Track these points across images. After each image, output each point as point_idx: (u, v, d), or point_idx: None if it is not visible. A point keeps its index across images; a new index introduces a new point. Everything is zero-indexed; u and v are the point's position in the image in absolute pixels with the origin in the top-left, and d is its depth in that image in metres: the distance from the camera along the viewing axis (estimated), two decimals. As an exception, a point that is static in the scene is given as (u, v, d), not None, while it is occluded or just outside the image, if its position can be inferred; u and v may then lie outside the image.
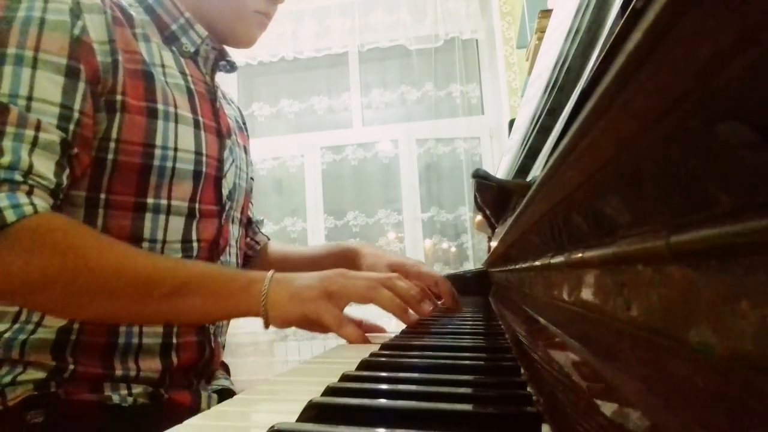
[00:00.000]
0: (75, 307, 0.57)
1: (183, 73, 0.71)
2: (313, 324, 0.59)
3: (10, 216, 0.52)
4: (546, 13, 1.54)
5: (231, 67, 0.81)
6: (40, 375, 0.59)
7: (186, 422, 0.28)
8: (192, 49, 0.73)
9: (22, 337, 0.60)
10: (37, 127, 0.56)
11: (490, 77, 2.94)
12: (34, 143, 0.55)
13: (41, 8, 0.58)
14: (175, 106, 0.67)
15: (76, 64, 0.59)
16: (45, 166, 0.56)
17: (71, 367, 0.60)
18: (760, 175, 0.10)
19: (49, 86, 0.57)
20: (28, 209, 0.53)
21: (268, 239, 1.01)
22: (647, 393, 0.16)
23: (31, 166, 0.55)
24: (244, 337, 2.80)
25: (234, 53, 0.81)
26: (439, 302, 0.86)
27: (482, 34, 2.90)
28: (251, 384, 0.39)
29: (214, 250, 0.72)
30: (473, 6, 2.88)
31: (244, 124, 0.93)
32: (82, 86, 0.59)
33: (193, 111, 0.70)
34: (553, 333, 0.33)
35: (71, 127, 0.58)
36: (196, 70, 0.74)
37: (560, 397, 0.24)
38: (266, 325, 0.59)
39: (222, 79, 0.81)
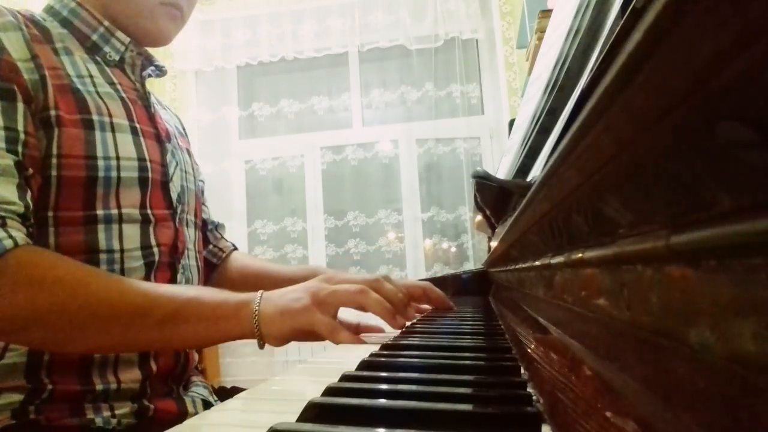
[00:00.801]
0: (68, 341, 0.56)
1: (112, 83, 0.69)
2: (308, 335, 0.58)
3: None
4: (546, 13, 1.54)
5: (160, 71, 0.80)
6: (17, 398, 0.58)
7: (186, 422, 0.29)
8: (117, 57, 0.72)
9: None
10: None
11: (490, 77, 2.94)
12: None
13: None
14: (110, 116, 0.66)
15: (8, 85, 0.57)
16: (8, 191, 0.54)
17: (49, 387, 0.59)
18: (760, 175, 0.10)
19: None
20: (8, 243, 0.52)
21: (235, 247, 0.99)
22: (647, 393, 0.16)
23: None
24: (244, 337, 2.79)
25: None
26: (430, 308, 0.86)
27: (482, 34, 2.90)
28: (251, 384, 0.39)
29: (173, 254, 0.72)
30: (473, 6, 2.88)
31: (184, 129, 0.91)
32: (20, 107, 0.58)
33: (129, 118, 0.68)
34: (553, 333, 0.33)
35: (20, 149, 0.57)
36: (124, 78, 0.72)
37: (560, 397, 0.24)
38: (261, 345, 0.59)
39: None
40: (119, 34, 0.71)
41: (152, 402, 0.65)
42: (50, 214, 0.61)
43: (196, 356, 0.79)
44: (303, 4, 2.97)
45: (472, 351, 0.46)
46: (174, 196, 0.73)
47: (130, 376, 0.64)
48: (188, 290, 0.61)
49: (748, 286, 0.11)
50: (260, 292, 0.60)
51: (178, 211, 0.74)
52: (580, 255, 0.24)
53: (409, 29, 2.91)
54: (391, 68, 3.06)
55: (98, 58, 0.70)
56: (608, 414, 0.18)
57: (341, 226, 2.93)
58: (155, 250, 0.68)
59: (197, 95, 3.04)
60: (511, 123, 1.59)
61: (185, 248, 0.75)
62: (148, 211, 0.68)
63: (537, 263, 0.39)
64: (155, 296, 0.57)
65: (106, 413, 0.61)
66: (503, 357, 0.41)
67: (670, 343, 0.15)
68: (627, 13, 0.14)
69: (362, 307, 0.60)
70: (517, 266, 0.57)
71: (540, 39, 1.53)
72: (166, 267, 0.70)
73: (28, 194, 0.57)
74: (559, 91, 0.50)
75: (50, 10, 0.71)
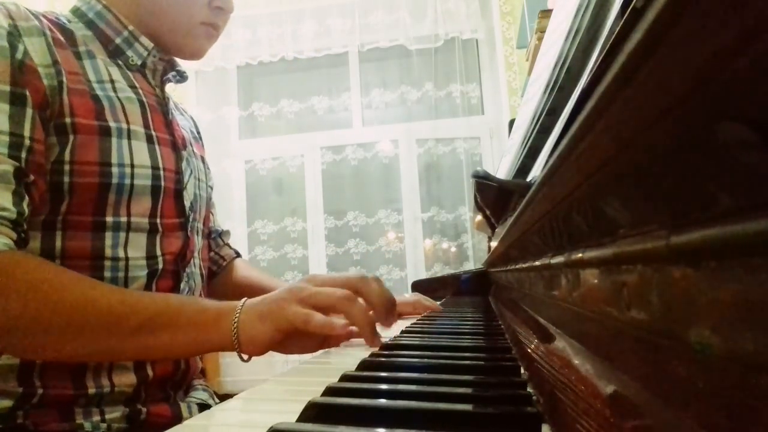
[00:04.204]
0: (41, 348, 0.55)
1: (132, 87, 0.69)
2: (287, 335, 0.54)
3: None
4: (546, 13, 1.55)
5: (181, 77, 0.80)
6: (6, 404, 0.58)
7: (186, 422, 0.29)
8: (139, 62, 0.72)
9: None
10: None
11: (490, 77, 2.94)
12: None
13: None
14: (128, 122, 0.66)
15: (21, 90, 0.57)
16: (2, 197, 0.54)
17: (40, 391, 0.59)
18: (760, 175, 0.10)
19: None
20: None
21: (237, 255, 0.98)
22: (647, 393, 0.16)
23: None
24: (244, 337, 2.79)
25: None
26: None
27: (482, 34, 2.90)
28: (251, 384, 0.39)
29: (180, 262, 0.71)
30: (473, 6, 2.88)
31: (199, 133, 0.91)
32: (29, 112, 0.57)
33: (146, 125, 0.68)
34: (553, 333, 0.33)
35: (23, 155, 0.56)
36: (145, 83, 0.72)
37: (560, 397, 0.24)
38: (240, 353, 0.55)
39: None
40: (143, 39, 0.72)
41: (145, 406, 0.65)
42: (59, 218, 0.60)
43: (199, 363, 0.77)
44: (303, 4, 2.97)
45: (472, 351, 0.46)
46: (187, 204, 0.73)
47: (125, 380, 0.63)
48: (168, 298, 0.59)
49: (748, 286, 0.11)
50: (243, 300, 0.57)
51: (190, 219, 0.74)
52: (580, 255, 0.24)
53: (409, 29, 2.91)
54: (391, 68, 3.06)
55: (120, 62, 0.70)
56: (608, 414, 0.18)
57: (341, 226, 2.94)
58: (159, 259, 0.68)
59: (197, 95, 3.04)
60: (511, 123, 1.59)
61: (192, 256, 0.74)
62: (157, 221, 0.68)
63: (537, 263, 0.39)
64: (132, 304, 0.55)
65: (96, 418, 0.61)
66: (503, 357, 0.41)
67: (670, 343, 0.15)
68: (627, 13, 0.14)
69: (344, 315, 0.56)
70: (516, 266, 0.57)
71: (540, 39, 1.53)
72: (170, 275, 0.70)
73: (25, 201, 0.56)
74: (559, 91, 0.50)
75: (76, 12, 0.71)
